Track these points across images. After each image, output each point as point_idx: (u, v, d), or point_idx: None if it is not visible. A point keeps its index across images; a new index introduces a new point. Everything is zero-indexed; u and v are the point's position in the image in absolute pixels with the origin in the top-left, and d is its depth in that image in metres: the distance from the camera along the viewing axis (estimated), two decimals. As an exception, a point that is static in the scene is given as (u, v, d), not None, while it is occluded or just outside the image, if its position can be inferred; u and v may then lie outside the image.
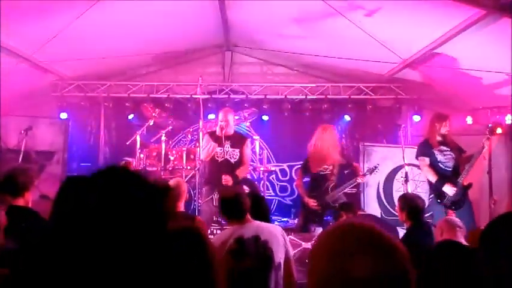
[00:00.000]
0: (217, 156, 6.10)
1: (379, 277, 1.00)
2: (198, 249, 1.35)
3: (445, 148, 5.95)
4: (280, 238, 3.46)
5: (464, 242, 3.52)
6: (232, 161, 6.12)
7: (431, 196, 6.06)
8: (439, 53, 6.21)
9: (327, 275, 1.05)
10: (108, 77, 8.46)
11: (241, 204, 3.53)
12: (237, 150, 6.15)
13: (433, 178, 5.89)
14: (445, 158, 5.94)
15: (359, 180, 6.26)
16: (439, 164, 5.94)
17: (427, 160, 5.99)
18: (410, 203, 4.44)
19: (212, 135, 6.20)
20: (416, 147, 6.28)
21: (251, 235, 3.39)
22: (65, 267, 1.03)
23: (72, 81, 8.24)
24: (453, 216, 4.56)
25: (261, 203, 4.28)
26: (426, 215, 5.57)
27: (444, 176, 5.87)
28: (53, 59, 7.17)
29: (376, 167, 6.48)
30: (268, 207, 4.40)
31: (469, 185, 5.81)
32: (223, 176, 5.87)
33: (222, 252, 3.32)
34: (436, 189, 5.90)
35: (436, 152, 5.95)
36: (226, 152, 6.06)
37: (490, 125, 5.99)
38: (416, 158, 6.18)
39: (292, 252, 3.61)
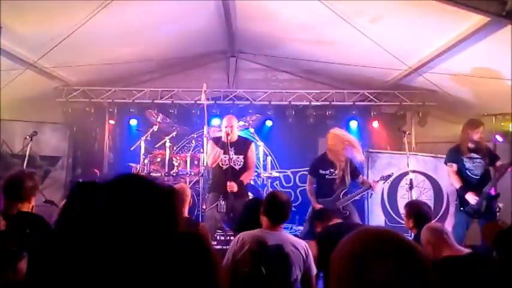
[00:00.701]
0: (222, 164, 6.09)
1: (400, 279, 1.01)
2: (201, 252, 1.34)
3: (475, 155, 5.87)
4: (303, 254, 3.41)
5: (460, 249, 3.44)
6: (237, 167, 6.11)
7: (455, 202, 6.04)
8: (443, 60, 6.20)
9: (350, 279, 1.06)
10: (113, 82, 8.50)
11: (287, 211, 3.55)
12: (241, 157, 6.14)
13: (457, 185, 5.86)
14: (474, 166, 5.86)
15: (373, 187, 6.11)
16: (467, 171, 5.87)
17: (454, 166, 5.94)
18: (417, 210, 4.39)
19: (217, 141, 6.19)
20: (447, 152, 6.21)
21: (275, 243, 3.38)
22: (71, 269, 1.05)
23: (77, 86, 8.27)
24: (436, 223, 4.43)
25: (254, 208, 4.28)
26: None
27: (469, 184, 5.82)
28: (58, 65, 7.20)
29: (390, 175, 6.38)
30: None
31: (496, 195, 5.76)
32: (229, 183, 5.86)
33: (242, 248, 3.32)
34: (459, 196, 5.90)
35: (465, 159, 5.87)
36: (231, 159, 6.05)
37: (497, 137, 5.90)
38: (445, 163, 6.13)
39: (314, 269, 3.51)
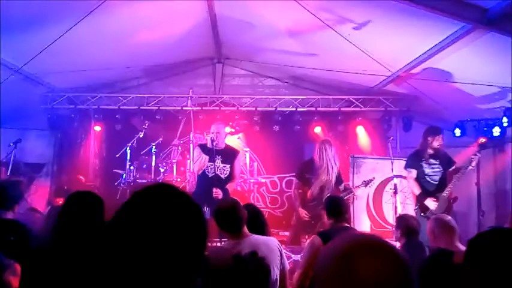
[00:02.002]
0: (208, 172, 6.09)
1: (384, 279, 1.05)
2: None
3: (434, 161, 6.06)
4: (277, 252, 3.40)
5: (459, 245, 3.51)
6: (223, 176, 6.12)
7: (415, 208, 6.16)
8: (427, 66, 6.29)
9: (338, 279, 1.08)
10: (99, 89, 8.46)
11: (238, 215, 3.40)
12: (228, 166, 6.16)
13: (417, 191, 6.07)
14: (433, 171, 6.07)
15: (354, 191, 6.27)
16: (426, 176, 6.08)
17: (414, 173, 6.13)
18: (405, 222, 4.69)
19: (204, 148, 6.19)
20: (406, 158, 6.37)
21: (248, 251, 3.33)
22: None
23: (62, 93, 8.22)
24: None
25: (258, 215, 4.28)
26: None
27: (427, 190, 6.02)
28: (43, 71, 7.15)
29: (371, 180, 6.53)
30: (265, 220, 4.34)
31: (455, 199, 5.93)
32: (214, 189, 5.86)
33: (222, 268, 3.29)
34: (419, 202, 6.06)
35: (424, 165, 6.06)
36: (217, 168, 6.06)
37: (482, 140, 6.04)
38: (405, 168, 6.29)
39: (287, 265, 3.55)
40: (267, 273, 3.28)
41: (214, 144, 6.01)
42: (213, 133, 6.14)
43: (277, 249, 3.43)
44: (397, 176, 6.60)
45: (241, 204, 3.61)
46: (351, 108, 8.39)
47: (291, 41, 6.88)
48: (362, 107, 8.34)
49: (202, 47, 8.03)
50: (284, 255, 3.51)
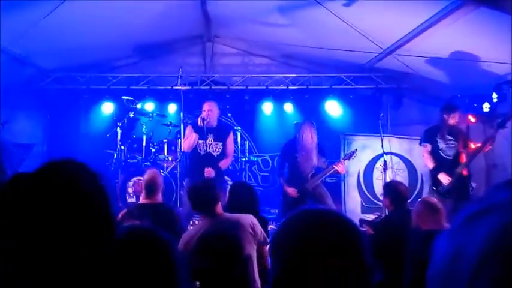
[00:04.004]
0: (200, 149, 6.09)
1: (337, 246, 1.10)
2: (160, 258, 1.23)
3: (449, 137, 6.05)
4: (248, 229, 3.41)
5: (447, 225, 3.56)
6: (215, 154, 6.12)
7: (429, 182, 6.20)
8: (417, 43, 6.26)
9: (294, 246, 1.11)
10: (87, 68, 8.35)
11: (208, 195, 3.48)
12: (220, 144, 6.15)
13: (431, 165, 6.04)
14: (447, 147, 6.04)
15: (336, 167, 6.26)
16: (440, 151, 6.05)
17: (429, 147, 6.12)
18: (393, 189, 4.63)
19: (195, 126, 6.18)
20: (422, 133, 6.36)
21: (217, 231, 3.36)
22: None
23: (50, 73, 8.13)
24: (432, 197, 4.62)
25: (247, 193, 4.31)
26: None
27: (441, 165, 5.98)
28: (30, 52, 7.06)
29: (353, 152, 6.55)
30: (254, 197, 4.38)
31: (468, 176, 5.93)
32: (206, 169, 5.87)
33: (187, 251, 3.33)
34: (432, 177, 6.04)
35: (439, 140, 6.05)
36: (209, 145, 6.05)
37: (499, 120, 5.98)
38: (420, 143, 6.29)
39: (265, 236, 3.57)
40: (235, 251, 3.30)
41: (205, 122, 5.99)
42: (205, 111, 6.12)
43: (249, 226, 3.44)
44: (387, 153, 6.64)
45: (216, 183, 3.69)
46: (342, 86, 8.37)
47: (282, 18, 6.82)
48: (353, 85, 8.32)
49: (192, 25, 7.93)
50: (259, 229, 3.51)
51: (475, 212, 0.67)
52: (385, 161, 6.49)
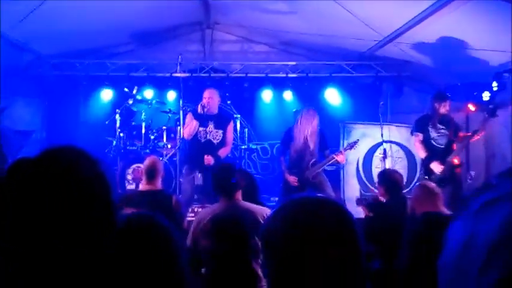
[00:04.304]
0: (200, 137, 6.09)
1: (330, 230, 1.12)
2: (159, 241, 1.23)
3: (440, 126, 6.05)
4: (260, 221, 3.37)
5: (444, 210, 3.58)
6: (215, 142, 6.12)
7: (421, 172, 6.21)
8: (417, 31, 6.22)
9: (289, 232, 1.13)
10: (86, 55, 8.31)
11: (230, 181, 3.53)
12: (221, 131, 6.14)
13: (423, 154, 6.06)
14: (438, 135, 6.06)
15: (336, 157, 6.25)
16: (431, 141, 6.08)
17: (420, 136, 6.14)
18: (388, 177, 4.65)
19: (195, 113, 6.17)
20: (414, 122, 6.36)
21: (231, 216, 3.39)
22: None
23: (49, 59, 8.09)
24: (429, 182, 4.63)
25: (247, 181, 4.32)
26: (406, 190, 5.74)
27: (433, 154, 6.00)
28: (29, 38, 7.01)
29: (355, 143, 6.54)
30: (255, 185, 4.39)
31: (459, 164, 5.95)
32: (206, 156, 5.88)
33: (199, 229, 3.35)
34: (424, 166, 6.05)
35: (430, 129, 6.06)
36: (210, 133, 6.05)
37: (490, 106, 5.97)
38: (411, 133, 6.30)
39: None
40: (245, 239, 3.32)
41: (205, 110, 5.98)
42: (205, 98, 6.11)
43: (262, 218, 3.41)
44: (386, 141, 6.64)
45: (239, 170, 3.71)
46: (342, 74, 8.34)
47: (282, 5, 6.78)
48: (353, 73, 8.29)
49: (191, 11, 7.88)
50: None
51: (488, 201, 0.67)
52: (384, 149, 6.51)
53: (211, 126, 6.10)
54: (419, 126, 6.19)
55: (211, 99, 6.12)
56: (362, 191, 7.45)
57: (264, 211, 3.52)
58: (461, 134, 6.12)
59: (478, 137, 5.91)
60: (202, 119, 6.00)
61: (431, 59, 7.09)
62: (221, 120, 6.22)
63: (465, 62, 6.70)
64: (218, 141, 6.14)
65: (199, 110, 6.04)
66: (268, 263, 1.16)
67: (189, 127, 6.09)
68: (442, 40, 6.30)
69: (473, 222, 0.67)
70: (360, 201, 5.28)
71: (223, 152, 6.15)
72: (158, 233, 1.17)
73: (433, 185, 3.93)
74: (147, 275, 1.09)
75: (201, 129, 6.08)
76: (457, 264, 0.67)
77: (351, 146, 6.51)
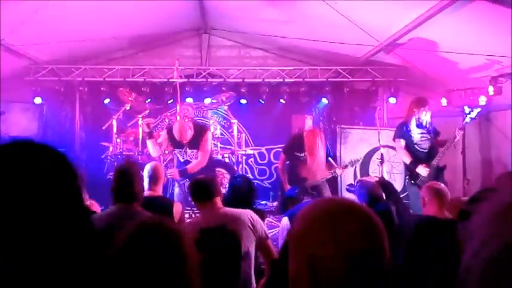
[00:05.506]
0: (179, 157, 6.08)
1: (359, 236, 1.10)
2: (172, 245, 1.27)
3: (421, 130, 6.09)
4: (248, 223, 3.38)
5: (446, 214, 3.55)
6: (194, 161, 6.02)
7: (406, 177, 6.22)
8: (414, 36, 6.26)
9: (317, 242, 1.11)
10: (83, 60, 8.30)
11: (207, 188, 3.48)
12: (195, 150, 6.00)
13: (408, 160, 6.08)
14: (421, 140, 6.10)
15: (338, 172, 6.21)
16: (415, 145, 6.11)
17: (402, 142, 6.15)
18: (365, 191, 4.62)
19: (170, 134, 6.02)
20: (395, 129, 6.40)
21: (216, 224, 3.34)
22: None
23: (46, 65, 8.07)
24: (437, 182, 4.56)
25: (247, 186, 4.30)
26: (402, 195, 5.75)
27: (418, 158, 6.04)
28: (26, 43, 7.01)
29: (358, 160, 6.54)
30: (251, 190, 4.36)
31: (444, 167, 5.98)
32: (169, 170, 5.87)
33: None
34: (410, 170, 6.07)
35: (412, 134, 6.09)
36: (186, 154, 6.02)
37: (466, 108, 6.03)
38: (394, 139, 6.31)
39: (265, 231, 3.53)
40: (236, 246, 3.30)
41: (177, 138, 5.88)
42: (175, 131, 5.87)
43: (248, 220, 3.40)
44: (383, 146, 6.65)
45: (216, 178, 3.68)
46: (338, 79, 8.36)
47: (278, 10, 6.80)
48: (350, 78, 8.32)
49: (188, 17, 7.90)
50: (258, 223, 3.47)
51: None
52: (382, 154, 6.51)
53: (186, 148, 6.00)
54: (401, 132, 6.22)
55: (183, 130, 5.89)
56: (359, 196, 7.45)
57: (248, 213, 3.48)
58: (439, 137, 6.19)
59: (453, 143, 5.95)
60: (177, 143, 5.93)
61: (427, 64, 7.12)
62: (194, 139, 6.01)
63: (461, 67, 6.74)
64: (197, 159, 6.03)
65: (176, 136, 5.86)
66: (292, 266, 1.15)
67: (156, 149, 6.02)
68: (438, 45, 6.34)
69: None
70: (351, 187, 5.22)
71: (193, 167, 5.92)
72: (170, 237, 1.18)
73: (442, 185, 3.85)
74: (160, 277, 1.10)
75: (177, 151, 6.06)
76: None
77: (353, 163, 6.48)
